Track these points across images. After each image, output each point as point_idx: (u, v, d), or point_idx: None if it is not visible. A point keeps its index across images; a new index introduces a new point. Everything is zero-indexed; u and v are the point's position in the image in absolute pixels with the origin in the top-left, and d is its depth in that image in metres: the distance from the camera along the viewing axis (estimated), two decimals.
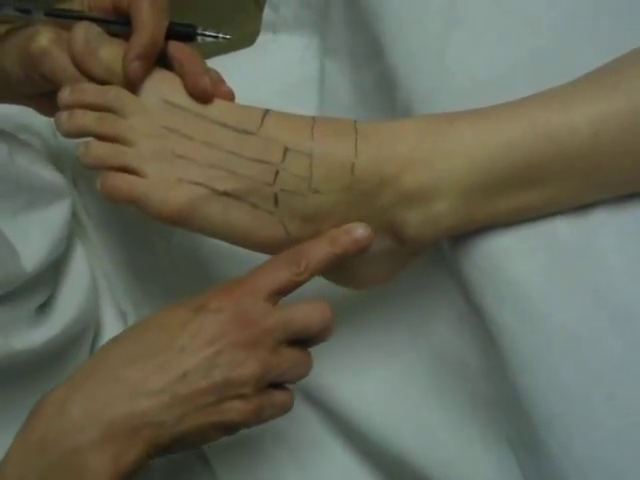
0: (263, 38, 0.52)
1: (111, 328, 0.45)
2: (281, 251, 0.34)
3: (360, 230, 0.33)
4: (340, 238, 0.33)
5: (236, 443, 0.41)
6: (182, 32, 0.35)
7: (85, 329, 0.42)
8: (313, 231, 0.33)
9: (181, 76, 0.33)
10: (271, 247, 0.34)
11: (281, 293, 0.33)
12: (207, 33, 0.35)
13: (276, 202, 0.33)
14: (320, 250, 0.33)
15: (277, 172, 0.32)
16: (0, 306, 0.35)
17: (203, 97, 0.33)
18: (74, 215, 0.45)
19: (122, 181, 0.32)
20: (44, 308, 0.39)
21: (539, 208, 0.32)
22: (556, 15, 0.35)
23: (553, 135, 0.30)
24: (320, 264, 0.33)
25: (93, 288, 0.43)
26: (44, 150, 0.43)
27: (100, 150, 0.33)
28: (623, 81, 0.30)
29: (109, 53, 0.33)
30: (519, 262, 0.32)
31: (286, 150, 0.32)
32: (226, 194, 0.32)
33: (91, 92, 0.33)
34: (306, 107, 0.47)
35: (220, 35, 0.35)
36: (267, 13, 0.51)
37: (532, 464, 0.33)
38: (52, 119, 0.46)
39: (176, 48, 0.34)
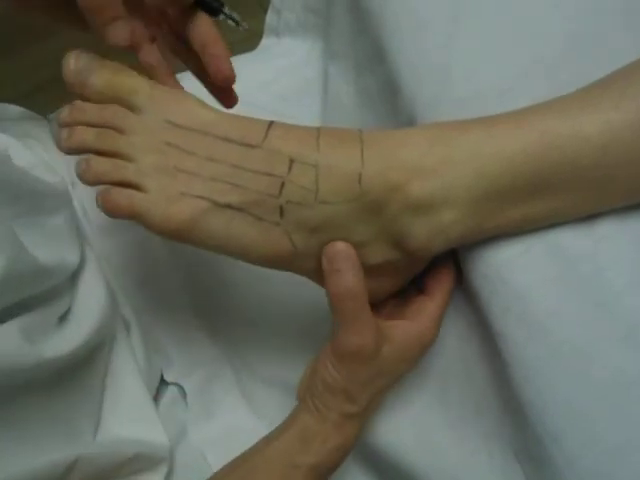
0: (266, 42, 0.52)
1: (120, 337, 0.44)
2: (286, 265, 0.34)
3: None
4: None
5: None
6: (208, 4, 0.34)
7: (105, 337, 0.42)
8: (319, 243, 0.33)
9: (203, 57, 0.33)
10: (276, 261, 0.34)
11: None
12: (231, 15, 0.35)
13: (282, 214, 0.32)
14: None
15: (283, 184, 0.32)
16: (25, 314, 0.34)
17: (225, 82, 0.33)
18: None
19: (122, 196, 0.32)
20: (66, 318, 0.39)
21: (548, 218, 0.32)
22: (561, 23, 0.35)
23: (562, 144, 0.30)
24: None
25: (110, 294, 0.43)
26: (43, 155, 0.42)
27: (100, 166, 0.33)
28: (630, 87, 0.30)
29: (99, 80, 0.33)
30: (524, 273, 0.32)
31: (292, 162, 0.32)
32: (229, 206, 0.32)
33: (90, 110, 0.33)
34: (309, 111, 0.47)
35: (242, 24, 0.35)
36: (270, 17, 0.51)
37: (538, 477, 0.33)
38: (51, 123, 0.45)
39: (203, 29, 0.33)
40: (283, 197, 0.32)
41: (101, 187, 0.33)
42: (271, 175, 0.32)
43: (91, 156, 0.33)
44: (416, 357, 0.36)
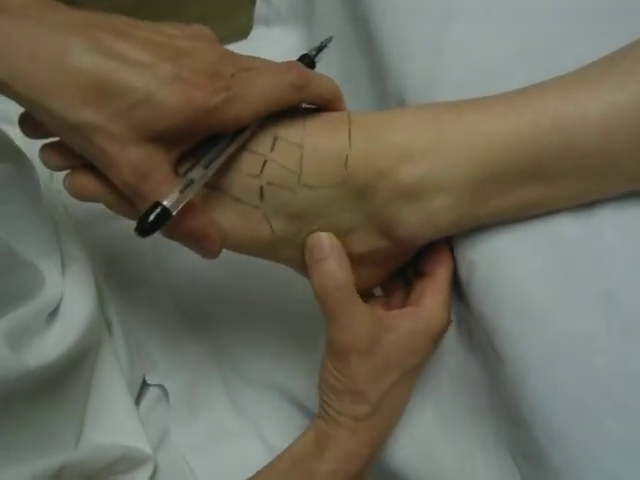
0: (257, 32, 0.51)
1: (104, 339, 0.42)
2: (266, 252, 0.33)
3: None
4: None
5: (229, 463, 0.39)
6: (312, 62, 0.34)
7: (92, 341, 0.40)
8: (301, 229, 0.31)
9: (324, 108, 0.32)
10: (255, 247, 0.32)
11: None
12: (314, 52, 0.35)
13: (262, 196, 0.30)
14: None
15: (265, 162, 0.30)
16: (10, 313, 0.32)
17: None
18: (57, 212, 0.43)
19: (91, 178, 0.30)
20: (56, 314, 0.37)
21: (546, 204, 0.30)
22: (556, 5, 0.34)
23: (562, 127, 0.28)
24: None
25: (98, 293, 0.41)
26: (22, 145, 0.41)
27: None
28: (635, 67, 0.28)
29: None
30: (521, 264, 0.30)
31: (275, 139, 0.30)
32: (206, 186, 0.30)
33: None
34: None
35: (324, 41, 0.35)
36: (260, 6, 0.50)
37: (536, 477, 0.31)
38: None
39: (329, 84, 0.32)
40: (264, 178, 0.30)
41: (70, 172, 0.30)
42: (253, 152, 0.30)
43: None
44: (428, 347, 0.33)
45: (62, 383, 0.37)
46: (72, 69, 0.26)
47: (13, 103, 0.42)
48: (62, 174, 0.40)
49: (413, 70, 0.35)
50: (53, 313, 0.37)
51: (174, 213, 0.27)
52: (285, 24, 0.49)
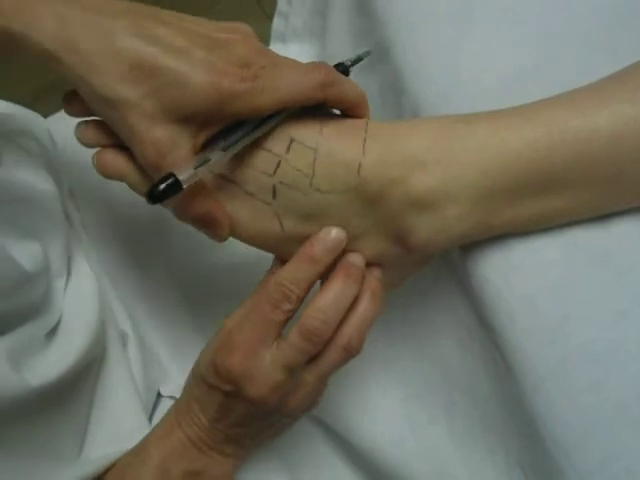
0: (274, 48, 0.51)
1: (114, 352, 0.42)
2: (273, 248, 0.33)
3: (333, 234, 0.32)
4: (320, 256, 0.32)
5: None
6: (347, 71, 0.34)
7: (96, 355, 0.40)
8: (310, 230, 0.32)
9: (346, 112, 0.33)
10: (262, 241, 0.33)
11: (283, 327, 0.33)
12: (349, 63, 0.35)
13: (274, 194, 0.31)
14: (303, 274, 0.32)
15: (279, 163, 0.31)
16: (11, 333, 0.33)
17: None
18: (71, 229, 0.43)
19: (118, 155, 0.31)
20: (55, 333, 0.37)
21: (557, 216, 0.30)
22: (567, 22, 0.34)
23: (572, 138, 0.29)
24: (308, 287, 0.32)
25: (102, 308, 0.41)
26: (41, 158, 0.41)
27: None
28: None
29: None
30: (533, 278, 0.31)
31: (292, 141, 0.31)
32: (222, 177, 0.31)
33: None
34: None
35: (362, 54, 0.35)
36: (277, 23, 0.50)
37: None
38: (51, 128, 0.44)
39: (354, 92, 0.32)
40: (277, 177, 0.31)
41: (98, 150, 0.32)
42: (269, 151, 0.31)
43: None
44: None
45: (64, 400, 0.37)
46: (116, 49, 0.28)
47: (39, 122, 0.42)
48: (81, 195, 0.40)
49: (427, 86, 0.36)
50: (52, 331, 0.37)
51: (185, 186, 0.28)
52: (302, 41, 0.49)
